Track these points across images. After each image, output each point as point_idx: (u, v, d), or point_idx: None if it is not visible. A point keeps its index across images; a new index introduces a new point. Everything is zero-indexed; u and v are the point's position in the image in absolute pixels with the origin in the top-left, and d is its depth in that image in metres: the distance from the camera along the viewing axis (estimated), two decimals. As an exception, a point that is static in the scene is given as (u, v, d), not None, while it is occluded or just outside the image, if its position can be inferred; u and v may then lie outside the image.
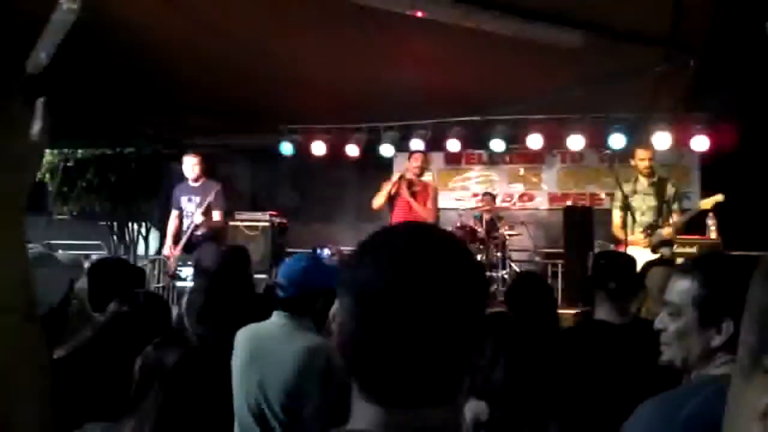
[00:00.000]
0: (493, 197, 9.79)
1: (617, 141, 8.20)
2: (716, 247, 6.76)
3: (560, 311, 5.03)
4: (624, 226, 6.42)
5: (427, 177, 7.75)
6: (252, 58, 6.93)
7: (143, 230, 13.08)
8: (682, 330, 1.75)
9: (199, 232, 6.69)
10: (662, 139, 8.02)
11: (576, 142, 8.60)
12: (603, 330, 2.91)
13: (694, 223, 6.91)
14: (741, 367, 0.88)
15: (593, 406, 2.52)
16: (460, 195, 11.33)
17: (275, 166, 11.01)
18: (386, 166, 9.46)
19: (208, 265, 6.43)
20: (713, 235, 7.15)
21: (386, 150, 9.27)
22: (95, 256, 9.44)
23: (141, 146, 11.85)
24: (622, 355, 2.65)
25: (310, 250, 7.54)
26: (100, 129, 10.00)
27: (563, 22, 5.61)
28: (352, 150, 9.42)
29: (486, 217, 9.13)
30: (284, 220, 9.57)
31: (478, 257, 8.38)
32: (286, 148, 9.66)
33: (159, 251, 9.66)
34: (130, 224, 12.99)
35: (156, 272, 9.92)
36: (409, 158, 7.51)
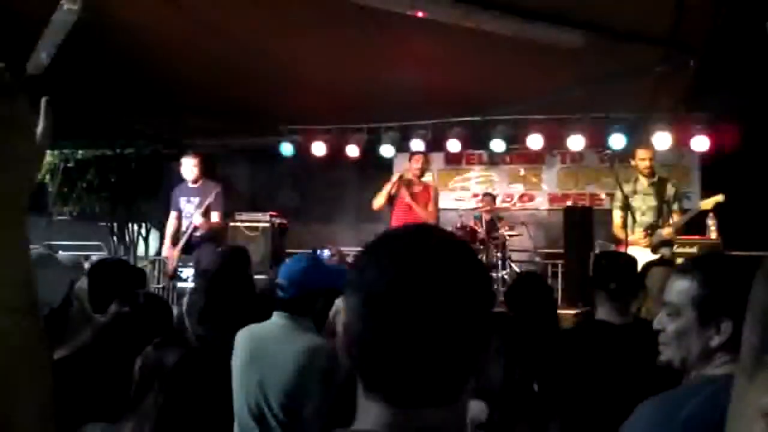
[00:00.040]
0: (494, 198, 9.79)
1: (617, 141, 8.20)
2: (716, 247, 6.76)
3: (560, 311, 5.04)
4: (624, 226, 6.42)
5: (427, 177, 7.74)
6: (252, 59, 6.93)
7: (143, 231, 13.09)
8: (681, 330, 1.75)
9: (198, 233, 6.68)
10: (662, 139, 8.03)
11: (576, 142, 8.61)
12: (604, 330, 2.91)
13: (695, 224, 6.91)
14: (744, 366, 0.88)
15: (594, 407, 2.52)
16: (460, 195, 11.33)
17: (275, 166, 11.02)
18: (386, 166, 9.47)
19: (207, 266, 6.44)
20: (713, 235, 7.15)
21: (386, 150, 9.27)
22: (95, 256, 9.46)
23: (141, 147, 11.84)
24: (623, 356, 2.65)
25: (310, 251, 7.52)
26: (101, 129, 10.00)
27: (563, 22, 5.61)
28: (352, 150, 9.42)
29: (486, 217, 9.13)
30: (284, 221, 9.57)
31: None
32: (286, 149, 9.67)
33: (159, 252, 9.65)
34: (130, 225, 12.99)
35: (156, 273, 9.93)
36: (409, 159, 7.51)
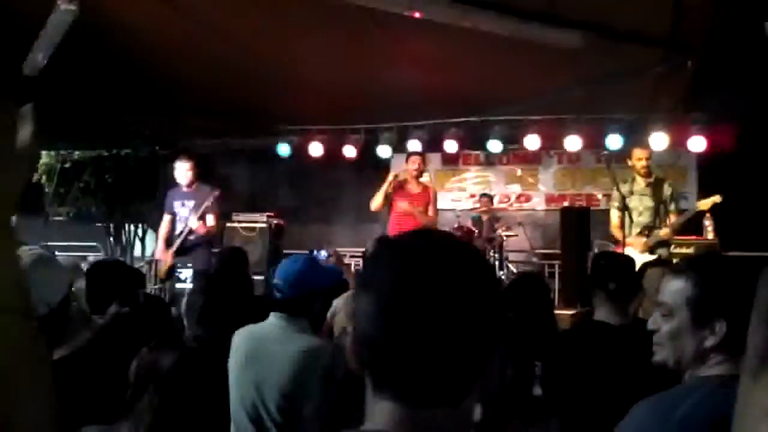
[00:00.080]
0: (491, 198, 9.80)
1: (614, 142, 8.20)
2: (713, 247, 6.78)
3: (557, 312, 5.04)
4: (622, 226, 6.42)
5: (425, 178, 7.74)
6: (249, 60, 6.92)
7: (140, 232, 13.07)
8: (675, 330, 1.75)
9: (192, 237, 6.67)
10: (659, 140, 8.03)
11: (573, 142, 8.61)
12: (603, 331, 2.91)
13: (692, 224, 6.92)
14: (749, 366, 0.88)
15: (593, 407, 2.52)
16: (457, 196, 11.33)
17: (273, 167, 11.01)
18: (384, 167, 9.45)
19: (205, 268, 6.43)
20: (710, 235, 7.17)
21: (383, 151, 9.27)
22: (92, 257, 9.44)
23: (138, 148, 11.82)
24: (622, 357, 2.65)
25: (308, 252, 7.52)
26: (98, 130, 9.98)
27: (561, 22, 5.61)
28: (350, 151, 9.41)
29: (484, 218, 9.14)
30: (282, 222, 9.55)
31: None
32: (284, 150, 9.66)
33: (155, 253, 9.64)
34: (126, 226, 12.97)
35: (153, 274, 9.91)
36: (406, 160, 7.51)
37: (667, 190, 6.69)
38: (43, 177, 12.52)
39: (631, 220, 6.51)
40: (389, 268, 0.93)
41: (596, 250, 7.41)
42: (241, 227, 9.11)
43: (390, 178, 7.26)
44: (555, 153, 10.66)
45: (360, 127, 9.28)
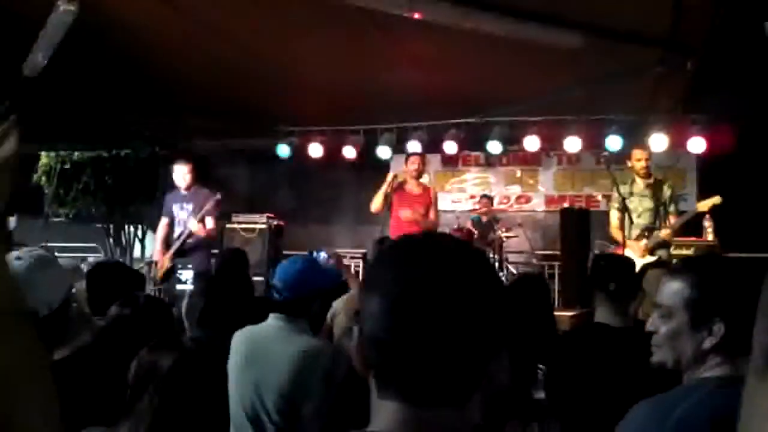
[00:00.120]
0: (491, 199, 9.80)
1: (614, 143, 8.19)
2: (713, 249, 6.78)
3: (557, 313, 5.04)
4: (621, 227, 6.42)
5: (424, 179, 7.74)
6: (249, 60, 6.92)
7: (139, 233, 13.08)
8: (674, 332, 1.75)
9: (191, 240, 6.67)
10: (659, 141, 8.03)
11: (573, 143, 8.61)
12: (603, 333, 2.90)
13: (692, 225, 6.91)
14: (755, 367, 0.88)
15: (594, 409, 2.52)
16: (456, 197, 11.34)
17: (273, 168, 10.99)
18: (383, 168, 9.44)
19: (205, 270, 6.43)
20: (710, 237, 7.17)
21: (383, 152, 9.26)
22: (91, 258, 9.44)
23: (138, 148, 11.83)
24: (623, 358, 2.65)
25: (308, 253, 7.52)
26: (97, 131, 9.98)
27: (561, 22, 5.60)
28: (349, 152, 9.40)
29: (483, 219, 9.14)
30: (282, 222, 9.56)
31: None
32: (283, 151, 9.65)
33: (154, 254, 9.65)
34: (126, 227, 12.98)
35: (152, 275, 9.91)
36: (406, 161, 7.50)
37: (666, 191, 6.68)
38: (43, 178, 12.53)
39: (631, 222, 6.50)
40: (396, 270, 0.94)
41: (597, 251, 7.40)
42: (241, 228, 9.12)
43: (389, 178, 7.23)
44: (555, 154, 10.66)
45: (360, 128, 9.27)
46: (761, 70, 6.18)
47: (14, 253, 2.36)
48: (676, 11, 5.37)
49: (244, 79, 7.44)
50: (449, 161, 11.23)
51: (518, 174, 11.16)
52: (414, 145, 8.73)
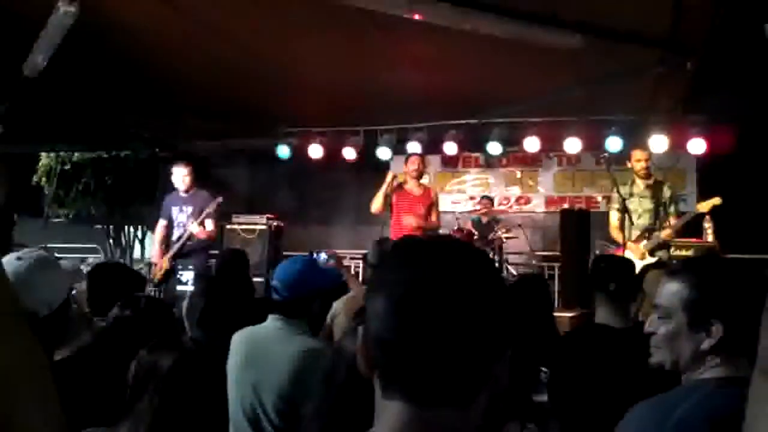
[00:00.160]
0: (491, 200, 9.80)
1: (614, 143, 8.19)
2: (713, 250, 6.76)
3: (557, 314, 5.04)
4: (621, 228, 6.42)
5: (424, 180, 7.73)
6: (249, 60, 6.91)
7: (139, 234, 13.08)
8: (672, 333, 1.75)
9: (191, 242, 6.67)
10: (659, 142, 8.02)
11: (573, 144, 8.60)
12: (603, 334, 2.90)
13: (691, 226, 6.91)
14: (761, 368, 0.88)
15: (594, 410, 2.52)
16: (456, 198, 11.33)
17: (273, 168, 11.00)
18: (383, 168, 9.43)
19: (205, 271, 6.43)
20: (710, 238, 7.15)
21: (383, 153, 9.26)
22: (91, 259, 9.44)
23: (138, 149, 11.82)
24: (623, 360, 2.65)
25: (307, 253, 7.52)
26: (97, 132, 9.98)
27: (561, 23, 5.60)
28: (349, 153, 9.40)
29: (484, 220, 9.14)
30: (281, 223, 9.55)
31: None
32: (283, 151, 9.64)
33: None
34: (126, 228, 12.98)
35: (151, 276, 9.90)
36: (405, 162, 7.50)
37: (666, 192, 6.69)
38: (43, 179, 12.53)
39: (631, 222, 6.50)
40: (402, 271, 0.95)
41: (597, 252, 7.40)
42: (241, 229, 9.11)
43: (388, 178, 7.22)
44: (555, 155, 10.66)
45: (360, 128, 9.27)
46: (761, 70, 6.18)
47: (14, 254, 2.36)
48: (676, 11, 5.36)
49: (244, 79, 7.43)
50: (449, 162, 11.24)
51: (518, 175, 11.17)
52: (414, 146, 8.72)
